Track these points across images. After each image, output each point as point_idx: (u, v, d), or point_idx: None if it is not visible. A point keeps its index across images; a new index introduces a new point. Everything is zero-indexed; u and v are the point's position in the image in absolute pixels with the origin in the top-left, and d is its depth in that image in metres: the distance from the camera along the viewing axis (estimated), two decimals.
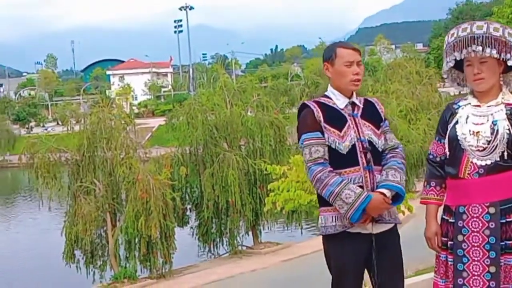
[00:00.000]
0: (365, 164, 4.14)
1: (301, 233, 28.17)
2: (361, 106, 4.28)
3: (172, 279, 22.42)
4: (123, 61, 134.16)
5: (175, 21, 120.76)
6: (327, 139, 4.14)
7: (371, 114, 4.30)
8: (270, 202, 15.07)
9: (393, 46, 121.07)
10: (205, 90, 33.03)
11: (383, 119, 4.36)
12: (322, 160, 4.12)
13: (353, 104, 4.27)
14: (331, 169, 4.11)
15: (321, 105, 4.23)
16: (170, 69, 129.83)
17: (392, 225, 4.25)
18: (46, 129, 78.55)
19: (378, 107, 4.39)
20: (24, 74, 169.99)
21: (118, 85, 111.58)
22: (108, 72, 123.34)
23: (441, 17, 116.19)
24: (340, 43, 4.35)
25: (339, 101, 4.22)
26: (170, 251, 22.33)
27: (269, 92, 55.20)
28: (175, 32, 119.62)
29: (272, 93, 58.23)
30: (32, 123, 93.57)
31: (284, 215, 23.58)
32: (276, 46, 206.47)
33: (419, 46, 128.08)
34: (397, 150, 4.31)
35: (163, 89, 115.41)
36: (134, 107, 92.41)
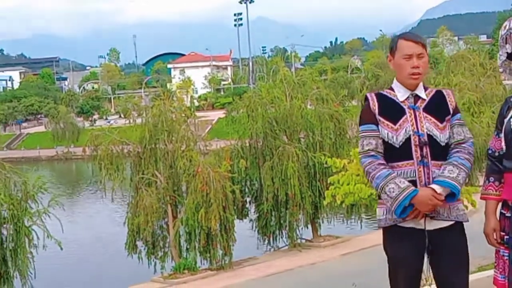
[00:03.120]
0: (419, 159, 4.04)
1: (361, 227, 27.99)
2: (427, 98, 4.19)
3: (232, 271, 22.58)
4: (183, 55, 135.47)
5: (235, 14, 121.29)
6: (381, 132, 4.09)
7: (437, 107, 4.18)
8: (330, 195, 15.01)
9: (455, 38, 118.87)
10: (265, 83, 33.08)
11: (451, 112, 4.21)
12: (373, 153, 4.07)
13: (416, 97, 4.17)
14: (382, 161, 4.05)
15: (380, 97, 4.17)
16: (230, 62, 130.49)
17: (452, 222, 4.12)
18: (108, 122, 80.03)
19: (448, 99, 4.24)
20: (88, 67, 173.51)
21: (179, 78, 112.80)
22: (169, 66, 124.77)
23: (505, 7, 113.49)
24: (403, 35, 4.25)
25: (400, 93, 4.15)
26: (230, 243, 22.48)
27: (328, 85, 54.88)
28: (235, 25, 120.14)
29: (331, 86, 57.90)
30: (96, 116, 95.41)
31: (343, 209, 23.46)
32: (336, 39, 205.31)
33: (483, 38, 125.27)
34: (464, 145, 4.18)
35: (222, 82, 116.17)
36: (194, 100, 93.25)
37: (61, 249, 19.28)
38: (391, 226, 4.12)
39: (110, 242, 28.62)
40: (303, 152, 24.61)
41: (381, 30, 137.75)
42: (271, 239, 25.47)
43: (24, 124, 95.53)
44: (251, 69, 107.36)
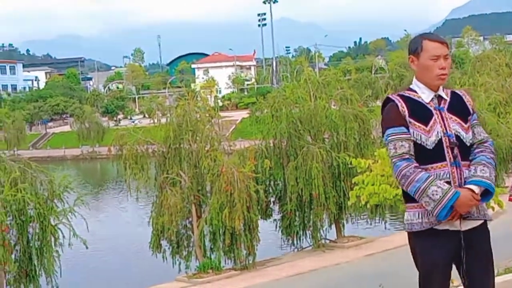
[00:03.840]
0: (452, 160, 4.01)
1: (385, 227, 27.87)
2: (448, 99, 4.15)
3: (256, 271, 22.59)
4: (207, 55, 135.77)
5: (258, 15, 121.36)
6: (412, 134, 4.03)
7: (458, 108, 4.14)
8: (355, 195, 15.00)
9: (481, 38, 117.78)
10: (289, 83, 33.05)
11: (471, 112, 4.19)
12: (407, 156, 4.00)
13: (439, 98, 4.13)
14: (417, 164, 4.00)
15: (406, 99, 4.11)
16: (254, 62, 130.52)
17: (481, 221, 4.11)
18: (133, 122, 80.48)
19: (465, 99, 4.21)
20: (113, 68, 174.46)
21: (203, 78, 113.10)
22: (193, 66, 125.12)
23: None
24: (426, 35, 4.19)
25: (424, 95, 4.10)
26: (254, 243, 22.51)
27: (352, 85, 54.71)
28: (258, 25, 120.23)
29: (355, 86, 57.74)
30: (120, 116, 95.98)
31: (367, 209, 23.36)
32: (360, 39, 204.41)
33: (509, 37, 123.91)
34: (486, 144, 4.16)
35: (246, 82, 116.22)
36: (218, 100, 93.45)
37: (87, 247, 19.43)
38: (426, 229, 4.06)
39: (135, 241, 28.77)
40: (327, 152, 24.56)
41: (405, 30, 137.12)
42: (295, 239, 25.45)
43: (50, 124, 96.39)
44: (274, 69, 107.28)
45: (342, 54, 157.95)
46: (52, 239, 19.20)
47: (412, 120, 4.06)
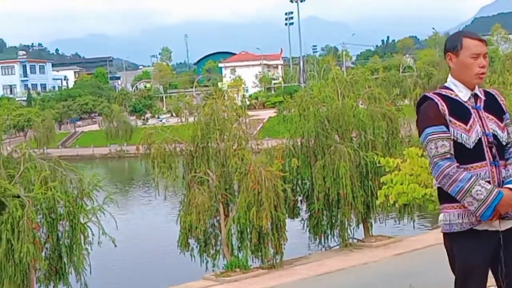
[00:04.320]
0: (491, 159, 3.99)
1: (413, 227, 27.70)
2: (484, 98, 4.12)
3: (283, 270, 22.58)
4: (234, 54, 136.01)
5: (286, 13, 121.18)
6: (452, 133, 4.00)
7: (494, 107, 4.12)
8: (383, 195, 14.89)
9: (510, 36, 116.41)
10: (316, 82, 32.97)
11: (505, 111, 4.16)
12: (449, 155, 3.98)
13: (475, 96, 4.11)
14: (458, 164, 3.97)
15: (444, 98, 4.07)
16: (281, 61, 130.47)
17: None
18: (160, 121, 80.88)
19: (499, 99, 4.18)
20: (140, 67, 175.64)
21: (230, 77, 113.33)
22: (220, 65, 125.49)
23: None
24: (466, 33, 4.15)
25: (462, 93, 4.07)
26: (281, 242, 22.50)
27: (380, 84, 54.43)
28: (286, 24, 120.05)
29: (383, 85, 57.39)
30: (148, 115, 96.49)
31: (395, 209, 23.23)
32: (388, 37, 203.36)
33: None
34: None
35: (273, 81, 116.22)
36: (245, 99, 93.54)
37: (115, 246, 19.56)
38: (466, 230, 4.02)
39: (163, 239, 28.92)
40: (355, 152, 24.47)
41: (433, 28, 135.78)
42: (323, 238, 25.40)
43: (79, 123, 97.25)
44: (302, 68, 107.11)
45: (370, 52, 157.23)
46: (82, 237, 19.37)
47: (452, 119, 4.02)
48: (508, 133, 4.12)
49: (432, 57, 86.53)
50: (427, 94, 4.17)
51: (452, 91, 4.10)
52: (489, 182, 3.96)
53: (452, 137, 4.00)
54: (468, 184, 3.90)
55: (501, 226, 3.98)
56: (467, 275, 4.03)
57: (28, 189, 19.26)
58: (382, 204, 17.52)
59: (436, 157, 4.00)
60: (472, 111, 4.05)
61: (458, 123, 4.01)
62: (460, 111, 4.04)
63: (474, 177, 3.92)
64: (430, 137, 4.02)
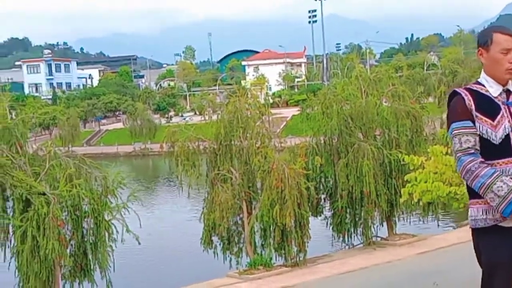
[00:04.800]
0: None
1: (438, 225, 27.53)
2: None
3: (306, 268, 22.56)
4: (257, 52, 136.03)
5: (309, 11, 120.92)
6: (478, 129, 3.99)
7: None
8: (407, 193, 14.83)
9: None
10: (340, 80, 32.86)
11: None
12: (472, 151, 3.97)
13: (507, 92, 4.06)
14: (482, 160, 3.96)
15: (473, 93, 4.06)
16: (304, 59, 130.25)
17: None
18: (184, 119, 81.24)
19: None
20: (164, 65, 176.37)
21: (253, 75, 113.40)
22: (243, 63, 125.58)
23: None
24: (497, 28, 4.11)
25: (493, 89, 4.04)
26: (305, 240, 22.48)
27: (404, 82, 54.14)
28: (309, 22, 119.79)
29: (407, 83, 57.11)
30: (172, 113, 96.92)
31: (419, 207, 23.12)
32: (412, 35, 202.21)
33: None
34: None
35: (296, 79, 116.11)
36: (268, 97, 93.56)
37: (139, 243, 19.66)
38: (490, 226, 4.01)
39: (186, 237, 29.05)
40: (378, 149, 24.36)
41: (458, 26, 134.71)
42: (346, 236, 25.31)
43: (103, 121, 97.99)
44: (325, 66, 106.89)
45: (394, 50, 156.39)
46: (106, 234, 19.50)
47: (478, 114, 4.00)
48: None
49: (457, 55, 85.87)
50: (456, 89, 4.16)
51: (483, 86, 4.07)
52: None
53: (478, 133, 3.97)
54: (489, 180, 3.89)
55: None
56: (492, 271, 4.01)
57: (53, 187, 19.43)
58: (406, 202, 17.43)
59: (459, 152, 4.00)
60: (502, 106, 4.01)
61: (484, 118, 3.98)
62: (488, 107, 4.00)
63: (498, 173, 3.89)
64: (455, 132, 4.02)
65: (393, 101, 26.19)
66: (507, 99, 4.03)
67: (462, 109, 4.04)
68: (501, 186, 3.87)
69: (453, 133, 4.04)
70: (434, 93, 59.47)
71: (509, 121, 3.96)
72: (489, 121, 3.99)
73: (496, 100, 4.02)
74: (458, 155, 4.02)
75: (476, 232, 4.07)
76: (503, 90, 4.05)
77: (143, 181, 54.39)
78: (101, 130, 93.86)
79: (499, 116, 3.98)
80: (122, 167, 55.79)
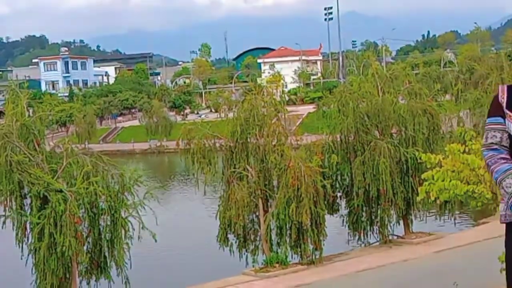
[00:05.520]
0: None
1: (454, 224, 27.39)
2: None
3: (322, 266, 22.54)
4: (273, 49, 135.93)
5: (325, 9, 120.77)
6: (507, 126, 3.97)
7: None
8: (424, 191, 14.76)
9: None
10: (356, 77, 32.74)
11: None
12: (495, 146, 3.98)
13: None
14: (505, 156, 3.95)
15: (510, 90, 4.03)
16: (320, 57, 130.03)
17: None
18: (200, 116, 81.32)
19: None
20: (180, 63, 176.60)
21: (269, 73, 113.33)
22: (259, 60, 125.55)
23: None
24: None
25: None
26: (321, 238, 22.44)
27: (420, 79, 53.90)
28: (325, 19, 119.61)
29: (424, 80, 56.82)
30: (187, 110, 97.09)
31: (436, 205, 23.00)
32: (428, 32, 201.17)
33: None
34: None
35: (312, 77, 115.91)
36: (284, 95, 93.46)
37: (155, 241, 19.70)
38: (510, 222, 3.98)
39: (203, 234, 29.07)
40: (395, 148, 24.27)
41: (475, 23, 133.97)
42: (362, 234, 25.24)
43: (119, 118, 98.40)
44: (341, 63, 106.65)
45: (410, 47, 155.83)
46: (123, 231, 19.58)
47: (508, 112, 3.98)
48: None
49: (473, 52, 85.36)
50: (500, 85, 4.17)
51: None
52: None
53: (506, 129, 3.97)
54: (501, 176, 3.90)
55: None
56: (507, 266, 4.01)
57: (70, 184, 19.53)
58: (423, 200, 17.36)
59: (484, 147, 4.05)
60: None
61: None
62: None
63: (511, 170, 3.88)
64: (486, 127, 4.07)
65: (410, 99, 26.09)
66: None
67: (495, 106, 4.05)
68: (510, 183, 3.87)
69: (485, 128, 4.08)
70: (451, 90, 59.04)
71: None
72: None
73: None
74: (482, 149, 4.07)
75: (505, 228, 4.08)
76: None
77: (159, 179, 54.53)
78: (117, 127, 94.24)
79: None
80: (138, 164, 56.03)
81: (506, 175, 3.89)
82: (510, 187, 3.87)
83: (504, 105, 4.00)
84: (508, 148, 3.99)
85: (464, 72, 68.73)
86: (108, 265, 19.93)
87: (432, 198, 14.64)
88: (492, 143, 4.00)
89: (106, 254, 19.88)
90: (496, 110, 4.04)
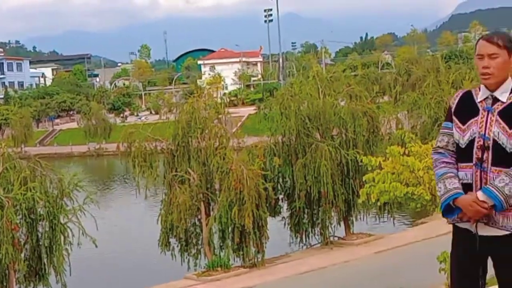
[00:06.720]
0: (477, 162, 3.92)
1: (393, 224, 27.81)
2: (507, 102, 3.96)
3: (265, 269, 22.57)
4: (213, 51, 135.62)
5: (265, 10, 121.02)
6: (453, 131, 4.07)
7: None
8: (365, 193, 14.91)
9: (488, 33, 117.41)
10: (296, 79, 32.93)
11: None
12: (441, 150, 4.09)
13: (495, 99, 3.99)
14: (448, 160, 4.05)
15: (463, 96, 4.12)
16: (260, 58, 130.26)
17: (508, 232, 3.90)
18: (139, 118, 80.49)
19: None
20: (119, 64, 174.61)
21: (209, 74, 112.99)
22: (199, 62, 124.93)
23: None
24: (485, 34, 4.13)
25: (480, 93, 4.04)
26: (263, 241, 22.49)
27: (359, 81, 54.52)
28: (265, 21, 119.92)
29: (362, 82, 57.52)
30: (127, 112, 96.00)
31: (376, 206, 23.31)
32: (366, 34, 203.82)
33: None
34: None
35: (252, 78, 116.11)
36: (225, 97, 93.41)
37: (96, 246, 19.40)
38: (452, 224, 4.10)
39: (144, 239, 28.75)
40: (336, 150, 24.49)
41: (412, 25, 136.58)
42: (304, 236, 25.42)
43: (57, 121, 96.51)
44: (281, 65, 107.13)
45: (348, 49, 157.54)
46: (62, 237, 19.21)
47: (454, 117, 4.08)
48: None
49: (410, 54, 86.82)
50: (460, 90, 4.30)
51: (480, 90, 4.11)
52: (470, 184, 3.94)
53: (453, 134, 4.08)
54: (437, 180, 4.03)
55: (479, 231, 3.94)
56: (451, 266, 4.17)
57: (7, 190, 19.04)
58: (364, 202, 17.57)
59: (432, 150, 4.18)
60: (481, 112, 4.01)
61: (457, 121, 4.06)
62: (466, 111, 4.04)
63: (448, 174, 3.98)
64: (440, 131, 4.20)
65: (350, 101, 26.37)
66: (492, 105, 4.02)
67: (448, 111, 4.17)
68: (440, 187, 3.99)
69: (439, 131, 4.21)
70: (389, 92, 59.99)
71: (480, 127, 3.96)
72: (459, 124, 4.05)
73: (479, 104, 4.03)
74: (431, 151, 4.18)
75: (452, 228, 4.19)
76: (490, 95, 4.03)
77: (99, 182, 53.72)
78: (54, 130, 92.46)
79: (471, 121, 4.00)
80: (76, 167, 55.07)
81: (439, 179, 4.00)
82: (440, 191, 3.96)
83: (453, 110, 4.08)
84: (454, 152, 4.05)
85: (401, 74, 69.93)
86: (47, 272, 19.50)
87: (373, 200, 14.80)
88: (439, 146, 4.11)
89: (45, 261, 19.46)
90: (448, 115, 4.14)
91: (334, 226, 25.88)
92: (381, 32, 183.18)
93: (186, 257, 23.22)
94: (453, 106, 4.10)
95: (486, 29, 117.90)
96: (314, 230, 25.51)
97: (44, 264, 19.50)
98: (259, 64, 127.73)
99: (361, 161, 15.51)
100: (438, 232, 18.45)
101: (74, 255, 19.89)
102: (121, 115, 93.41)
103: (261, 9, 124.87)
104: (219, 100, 61.71)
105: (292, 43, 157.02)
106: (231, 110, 55.58)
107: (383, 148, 18.50)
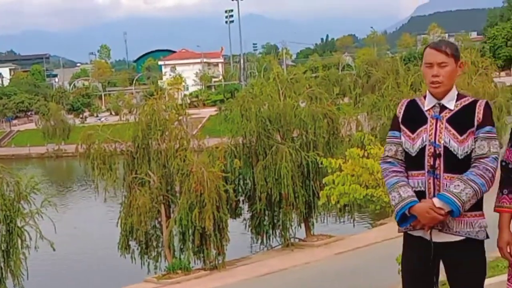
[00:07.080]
0: (429, 169, 3.95)
1: (353, 225, 27.99)
2: (455, 109, 3.98)
3: (225, 271, 22.53)
4: (174, 52, 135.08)
5: (226, 11, 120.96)
6: (401, 140, 4.08)
7: (461, 119, 3.98)
8: (325, 195, 14.96)
9: (446, 35, 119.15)
10: (257, 81, 32.96)
11: (475, 124, 3.96)
12: (390, 159, 4.10)
13: (442, 107, 4.02)
14: (397, 169, 4.05)
15: (409, 105, 4.14)
16: (221, 59, 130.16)
17: (462, 238, 3.94)
18: (99, 119, 79.73)
19: (477, 111, 3.98)
20: (78, 64, 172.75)
21: (170, 75, 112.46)
22: (160, 63, 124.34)
23: (496, 5, 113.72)
24: (432, 43, 4.11)
25: (427, 102, 4.06)
26: (223, 243, 22.44)
27: (320, 83, 54.80)
28: (226, 22, 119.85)
29: (323, 84, 57.79)
30: (86, 113, 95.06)
31: (336, 208, 23.43)
32: (327, 36, 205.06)
33: (474, 35, 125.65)
34: (483, 160, 3.92)
35: (213, 79, 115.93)
36: (186, 98, 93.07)
37: (54, 250, 19.15)
38: (404, 233, 4.10)
39: (103, 242, 28.45)
40: (296, 152, 24.57)
41: (372, 27, 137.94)
42: (265, 238, 25.47)
43: (14, 122, 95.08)
44: (242, 66, 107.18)
45: (309, 51, 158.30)
46: (19, 241, 18.92)
47: (402, 126, 4.10)
48: (475, 148, 3.96)
49: (370, 56, 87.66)
50: (404, 99, 4.28)
51: (425, 99, 4.13)
52: (423, 191, 3.96)
53: (402, 143, 4.08)
54: (389, 189, 4.03)
55: (434, 238, 3.96)
56: (403, 274, 4.15)
57: None
58: (324, 204, 17.64)
59: (381, 160, 4.18)
60: (429, 120, 4.03)
61: (405, 130, 4.09)
62: (414, 119, 4.07)
63: (400, 183, 3.99)
64: (387, 140, 4.19)
65: (310, 103, 26.48)
66: (440, 113, 4.04)
67: (395, 120, 4.18)
68: (395, 196, 3.98)
69: (386, 141, 4.19)
70: (349, 94, 60.42)
71: (430, 135, 3.99)
72: (409, 133, 4.07)
73: (426, 113, 4.05)
74: (380, 161, 4.18)
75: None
76: (437, 103, 4.06)
77: (57, 185, 53.03)
78: (12, 131, 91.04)
79: (420, 129, 4.03)
80: (35, 169, 54.33)
81: (392, 189, 4.00)
82: (394, 200, 3.96)
83: (400, 119, 4.11)
84: (403, 161, 4.08)
85: (361, 76, 70.51)
86: (4, 276, 19.19)
87: (333, 202, 14.85)
88: (387, 156, 4.13)
89: (2, 265, 19.15)
90: (394, 124, 4.15)
91: (295, 228, 25.96)
92: (341, 34, 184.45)
93: (146, 260, 23.06)
94: (400, 115, 4.12)
95: (444, 31, 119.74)
96: (275, 232, 25.56)
97: (1, 268, 19.20)
98: (220, 65, 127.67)
99: (321, 163, 15.56)
100: (398, 233, 18.58)
101: (32, 258, 19.60)
102: (81, 116, 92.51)
103: (223, 10, 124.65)
104: (179, 101, 61.38)
105: (253, 44, 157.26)
106: (192, 111, 55.37)
107: (343, 150, 18.60)
